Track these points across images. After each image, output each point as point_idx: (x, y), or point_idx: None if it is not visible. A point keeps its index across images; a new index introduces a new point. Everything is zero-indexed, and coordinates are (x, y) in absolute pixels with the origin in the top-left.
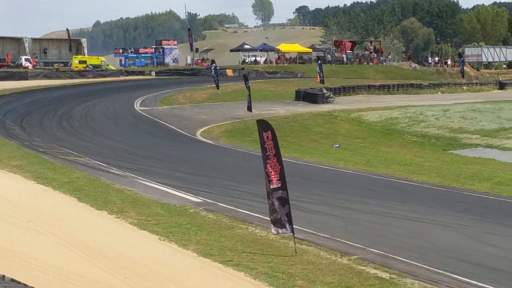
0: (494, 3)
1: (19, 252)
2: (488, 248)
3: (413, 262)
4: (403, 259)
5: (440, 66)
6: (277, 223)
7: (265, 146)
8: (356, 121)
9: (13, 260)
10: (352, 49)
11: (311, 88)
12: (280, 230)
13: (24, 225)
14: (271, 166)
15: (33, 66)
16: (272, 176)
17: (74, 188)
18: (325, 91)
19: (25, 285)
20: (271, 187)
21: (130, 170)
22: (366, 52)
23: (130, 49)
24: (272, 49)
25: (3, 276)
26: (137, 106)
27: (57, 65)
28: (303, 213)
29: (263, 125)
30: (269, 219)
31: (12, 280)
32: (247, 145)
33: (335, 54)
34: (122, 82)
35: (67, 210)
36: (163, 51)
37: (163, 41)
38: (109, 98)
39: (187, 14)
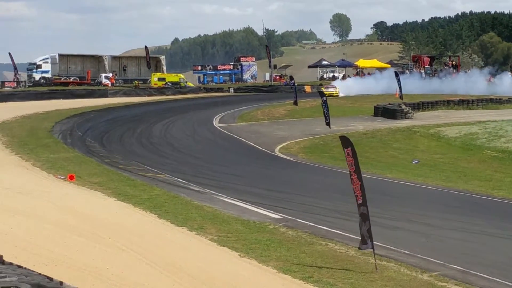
0: None
1: (101, 268)
2: None
3: (494, 279)
4: (485, 276)
5: None
6: (361, 238)
7: (347, 162)
8: (435, 137)
9: (95, 277)
10: (430, 64)
11: (389, 104)
12: (362, 246)
13: (105, 241)
14: (354, 182)
15: (112, 84)
16: (356, 192)
17: (154, 205)
18: (403, 106)
19: None
20: (357, 202)
21: (209, 187)
22: (445, 67)
23: (208, 66)
24: (350, 65)
25: None
26: (216, 122)
27: (136, 83)
28: (383, 229)
29: (344, 142)
30: (348, 235)
31: None
32: (326, 161)
33: (414, 70)
34: (200, 99)
35: (147, 227)
36: (241, 67)
37: (241, 58)
38: (188, 115)
39: (264, 30)
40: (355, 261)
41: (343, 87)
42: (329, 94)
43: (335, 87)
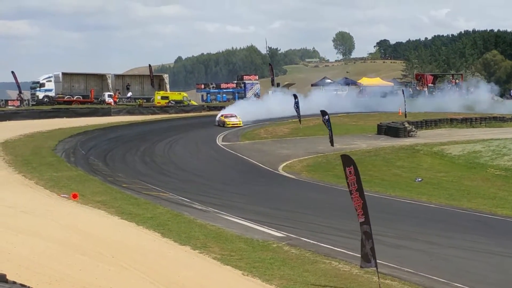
0: None
1: (104, 287)
2: None
3: None
4: None
5: None
6: (363, 257)
7: (348, 181)
8: (439, 155)
9: None
10: (433, 82)
11: (393, 122)
12: (365, 264)
13: (109, 260)
14: (355, 201)
15: (115, 102)
16: (358, 211)
17: (158, 224)
18: (407, 125)
19: None
20: (359, 221)
21: (212, 205)
22: (448, 86)
23: (211, 84)
24: (354, 83)
25: None
26: (219, 141)
27: (139, 101)
28: (387, 247)
29: (346, 160)
30: (352, 254)
31: None
32: (329, 179)
33: (417, 88)
34: (204, 117)
35: (150, 245)
36: (244, 86)
37: (244, 76)
38: (191, 133)
39: (268, 49)
40: (358, 279)
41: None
42: (232, 124)
43: (236, 116)
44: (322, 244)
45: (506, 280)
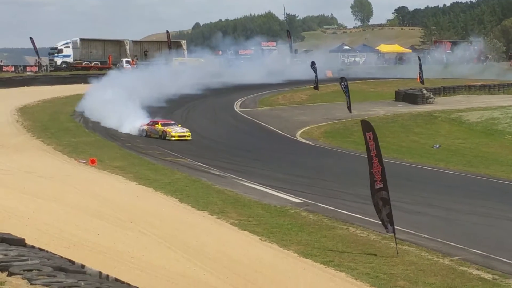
0: None
1: (122, 251)
2: None
3: None
4: (506, 260)
5: None
6: (381, 223)
7: (368, 146)
8: (457, 122)
9: (117, 260)
10: (452, 49)
11: (411, 89)
12: (383, 230)
13: (127, 225)
14: (374, 167)
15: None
16: (376, 177)
17: (176, 189)
18: (425, 91)
19: (129, 284)
20: (376, 187)
21: (230, 171)
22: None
23: (229, 50)
24: (372, 50)
25: (107, 275)
26: (237, 107)
27: None
28: (405, 213)
29: (366, 126)
30: (369, 219)
31: (116, 279)
32: (347, 146)
33: (435, 55)
34: (221, 83)
35: (168, 211)
36: (262, 53)
37: (262, 43)
38: (209, 99)
39: (285, 15)
40: (376, 245)
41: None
42: (178, 137)
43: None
44: (340, 210)
45: None
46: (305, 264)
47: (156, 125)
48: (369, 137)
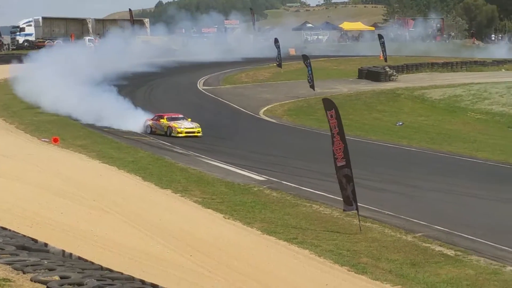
0: None
1: (86, 230)
2: None
3: (477, 239)
4: (468, 236)
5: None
6: (345, 200)
7: (330, 124)
8: (419, 99)
9: (80, 238)
10: (414, 27)
11: (373, 66)
12: (346, 208)
13: (90, 204)
14: (336, 144)
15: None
16: (337, 154)
17: (139, 167)
18: (388, 69)
19: (92, 262)
20: (338, 164)
21: (193, 149)
22: (429, 30)
23: (192, 29)
24: (335, 28)
25: (70, 254)
26: (200, 85)
27: None
28: (368, 191)
29: (328, 104)
30: (333, 197)
31: (79, 258)
32: (310, 123)
33: (398, 32)
34: (184, 61)
35: (132, 189)
36: (225, 31)
37: (225, 21)
38: (173, 77)
39: None
40: (339, 222)
41: None
42: (186, 133)
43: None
44: (303, 188)
45: (486, 222)
46: (269, 241)
47: (161, 120)
48: (331, 115)
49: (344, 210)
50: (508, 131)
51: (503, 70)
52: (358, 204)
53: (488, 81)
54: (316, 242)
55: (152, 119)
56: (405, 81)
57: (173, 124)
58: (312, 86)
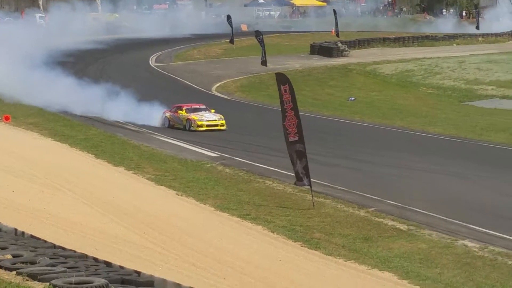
0: None
1: (38, 209)
2: (506, 198)
3: (429, 213)
4: (421, 210)
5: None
6: (296, 176)
7: (283, 99)
8: (371, 74)
9: (32, 217)
10: (366, 2)
11: (325, 42)
12: (298, 183)
13: (42, 182)
14: (288, 120)
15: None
16: (290, 130)
17: (91, 145)
18: (339, 44)
19: (45, 241)
20: (290, 140)
21: (145, 126)
22: (380, 5)
23: (144, 5)
24: (287, 4)
25: (23, 232)
26: (152, 62)
27: None
28: (321, 166)
29: (281, 79)
30: (285, 173)
31: (32, 236)
32: (263, 99)
33: (350, 7)
34: (136, 38)
35: (84, 167)
36: (177, 7)
37: None
38: (124, 55)
39: None
40: (292, 198)
41: None
42: (207, 126)
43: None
44: (256, 164)
45: (437, 197)
46: (222, 218)
47: (180, 112)
48: (285, 90)
49: (295, 184)
50: (459, 106)
51: (455, 44)
52: (311, 179)
53: (440, 56)
54: (269, 218)
55: (170, 111)
56: (357, 56)
57: (192, 116)
58: (264, 62)
